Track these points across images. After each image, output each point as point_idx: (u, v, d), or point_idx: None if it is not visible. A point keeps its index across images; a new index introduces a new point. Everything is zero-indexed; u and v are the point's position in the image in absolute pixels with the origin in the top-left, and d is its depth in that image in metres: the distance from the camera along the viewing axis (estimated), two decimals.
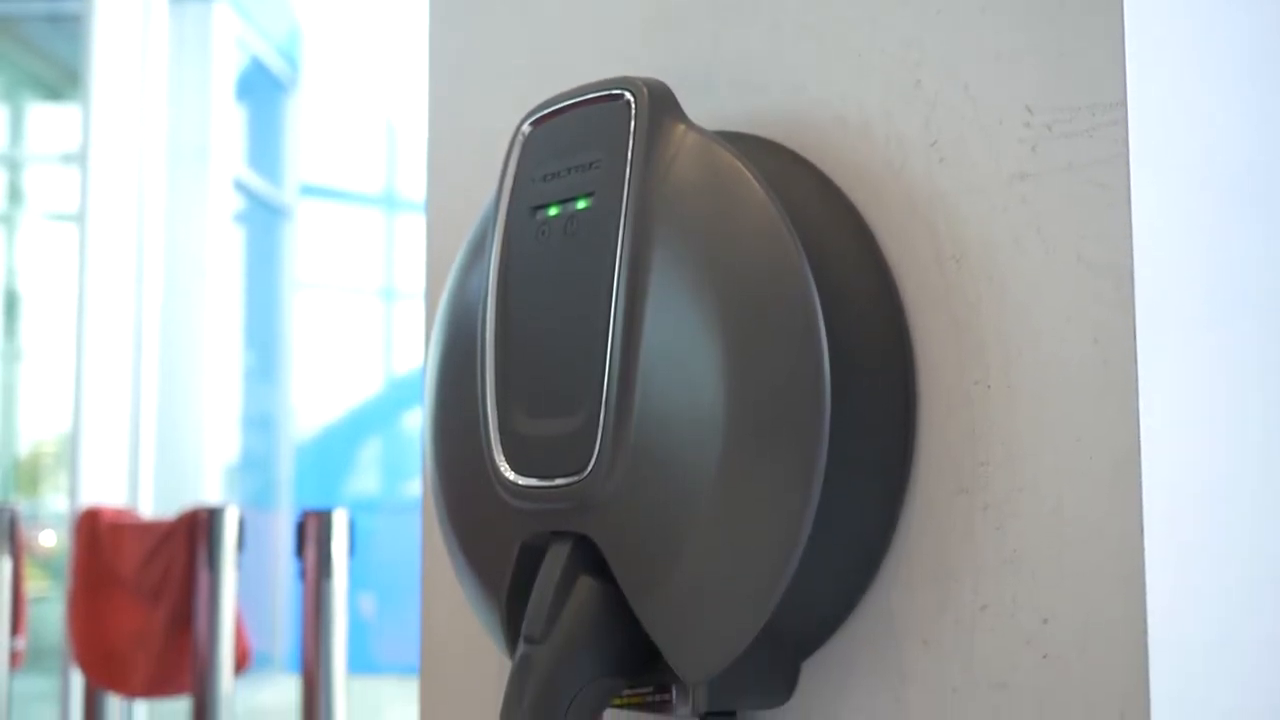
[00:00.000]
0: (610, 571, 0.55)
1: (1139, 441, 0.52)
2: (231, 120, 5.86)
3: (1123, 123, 0.53)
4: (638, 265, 0.55)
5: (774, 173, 0.59)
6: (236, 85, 5.97)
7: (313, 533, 2.29)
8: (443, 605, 0.79)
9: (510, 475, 0.57)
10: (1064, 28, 0.55)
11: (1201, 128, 0.59)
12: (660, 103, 0.57)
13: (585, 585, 0.56)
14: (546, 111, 0.61)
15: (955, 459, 0.57)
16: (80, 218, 4.26)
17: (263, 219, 6.68)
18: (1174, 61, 0.57)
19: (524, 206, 0.60)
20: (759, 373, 0.53)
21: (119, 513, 2.76)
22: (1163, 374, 0.53)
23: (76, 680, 3.05)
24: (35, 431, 5.71)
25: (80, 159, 4.30)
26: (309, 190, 7.19)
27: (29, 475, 5.65)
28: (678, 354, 0.54)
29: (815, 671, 0.61)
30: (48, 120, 5.97)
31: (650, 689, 0.58)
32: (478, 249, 0.63)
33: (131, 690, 2.55)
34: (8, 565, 2.59)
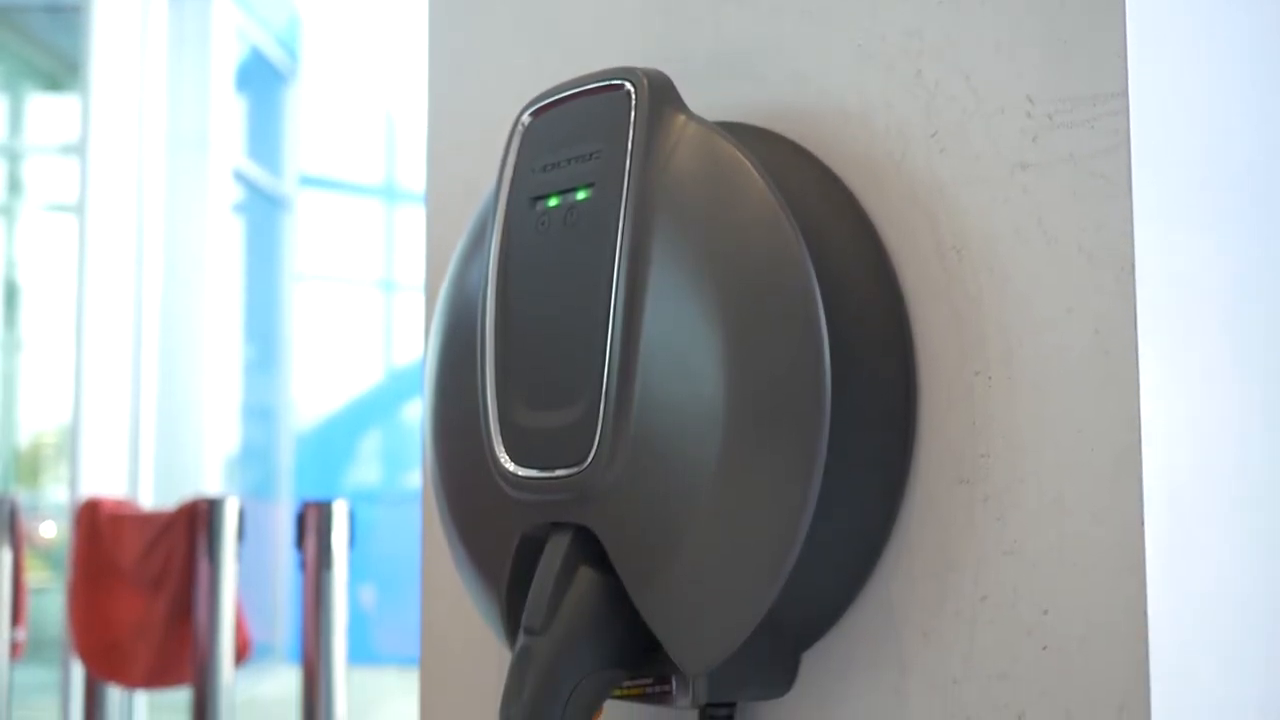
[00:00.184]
0: (610, 563, 0.55)
1: (1140, 432, 0.52)
2: (231, 111, 5.85)
3: (1124, 113, 0.53)
4: (638, 256, 0.54)
5: (774, 163, 0.58)
6: (236, 76, 5.97)
7: (313, 524, 2.29)
8: (443, 596, 0.79)
9: (510, 466, 0.57)
10: (1065, 18, 0.55)
11: (1203, 118, 0.59)
12: (660, 93, 0.57)
13: (585, 576, 0.56)
14: (546, 102, 0.61)
15: (956, 450, 0.57)
16: (80, 209, 4.26)
17: (262, 210, 6.67)
18: (1175, 52, 0.57)
19: (524, 197, 0.60)
20: (759, 363, 0.53)
21: (119, 504, 2.76)
22: (1164, 365, 0.53)
23: (77, 671, 3.06)
24: (35, 422, 5.71)
25: (80, 150, 4.30)
26: (308, 181, 7.19)
27: (29, 466, 5.66)
28: (678, 345, 0.54)
29: (815, 663, 0.61)
30: (47, 111, 5.97)
31: (650, 680, 0.58)
32: (477, 240, 0.63)
33: (132, 681, 2.56)
34: (8, 556, 2.59)
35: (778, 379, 0.53)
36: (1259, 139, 0.62)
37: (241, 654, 2.43)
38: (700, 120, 0.58)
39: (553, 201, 0.58)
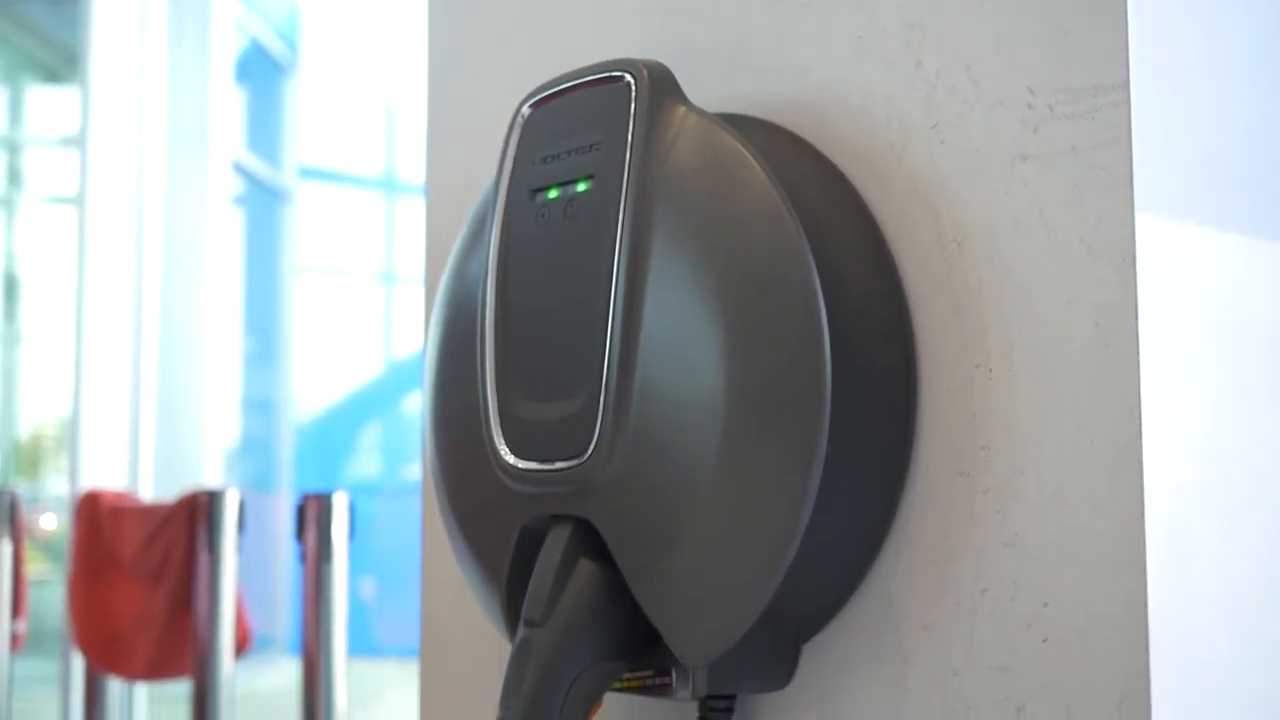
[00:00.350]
0: (610, 555, 0.55)
1: (1140, 425, 0.52)
2: (231, 103, 5.85)
3: (1125, 104, 0.53)
4: (638, 248, 0.54)
5: (774, 155, 0.58)
6: (235, 68, 5.96)
7: (313, 516, 2.29)
8: (443, 589, 0.79)
9: (510, 459, 0.57)
10: (1066, 9, 0.55)
11: (1204, 109, 0.58)
12: (660, 84, 0.57)
13: (585, 569, 0.56)
14: (546, 94, 0.61)
15: (956, 442, 0.57)
16: (79, 201, 4.26)
17: (262, 202, 6.67)
18: (1177, 43, 0.57)
19: (524, 189, 0.60)
20: (759, 355, 0.53)
21: (119, 496, 2.76)
22: (1164, 357, 0.53)
23: (77, 663, 3.06)
24: (35, 415, 5.72)
25: (79, 142, 4.30)
26: (308, 173, 7.18)
27: (29, 458, 5.66)
28: (678, 337, 0.54)
29: (816, 655, 0.61)
30: (47, 103, 5.97)
31: (650, 672, 0.58)
32: (477, 232, 0.63)
33: (132, 673, 2.56)
34: (8, 548, 2.59)
35: (778, 371, 0.53)
36: (1260, 130, 0.62)
37: (242, 646, 2.43)
38: (700, 112, 0.57)
39: (553, 193, 0.58)
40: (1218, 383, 0.57)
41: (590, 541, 0.56)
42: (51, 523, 5.15)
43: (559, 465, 0.55)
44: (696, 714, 0.62)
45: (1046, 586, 0.54)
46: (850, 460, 0.57)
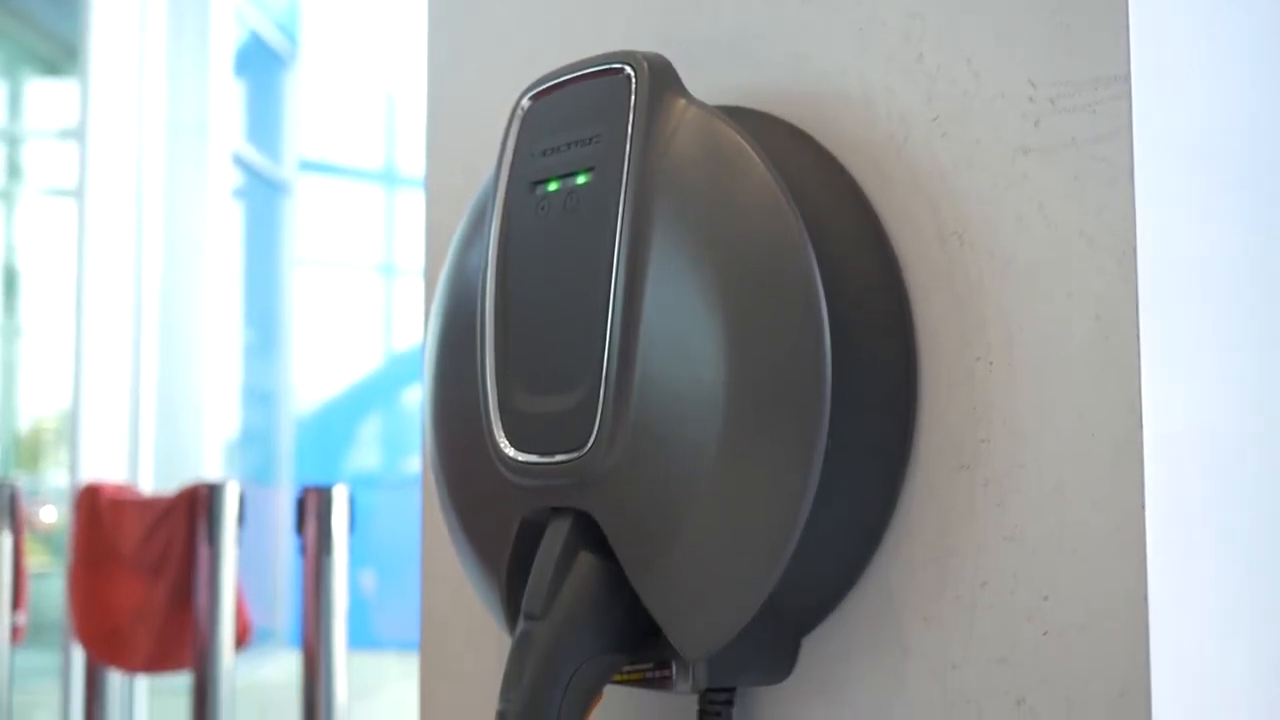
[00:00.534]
0: (610, 548, 0.55)
1: (1141, 418, 0.52)
2: (230, 95, 5.84)
3: (1126, 97, 0.53)
4: (638, 240, 0.54)
5: (775, 147, 0.58)
6: (235, 60, 5.96)
7: (313, 508, 2.29)
8: (443, 581, 0.79)
9: (510, 451, 0.57)
10: (1067, 2, 0.55)
11: (1206, 102, 0.58)
12: (660, 77, 0.57)
13: (585, 561, 0.56)
14: (546, 86, 0.61)
15: (956, 435, 0.57)
16: (79, 193, 4.26)
17: (262, 194, 6.67)
18: (1178, 35, 0.57)
19: (523, 182, 0.60)
20: (759, 348, 0.53)
21: (119, 488, 2.76)
22: (1165, 350, 0.53)
23: (77, 656, 3.06)
24: (35, 407, 5.72)
25: (79, 134, 4.29)
26: (308, 165, 7.18)
27: (29, 451, 5.66)
28: (678, 330, 0.53)
29: (816, 648, 0.61)
30: (46, 95, 5.96)
31: (650, 665, 0.58)
32: (477, 224, 0.63)
33: (132, 665, 2.56)
34: (8, 541, 2.59)
35: (778, 364, 0.53)
36: (1262, 123, 0.62)
37: (242, 639, 2.44)
38: (700, 104, 0.57)
39: (552, 186, 0.58)
40: (1219, 376, 0.57)
41: (590, 534, 0.56)
42: (52, 515, 5.16)
43: (559, 458, 0.55)
44: (696, 706, 0.62)
45: (1047, 580, 0.54)
46: (850, 453, 0.57)
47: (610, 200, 0.55)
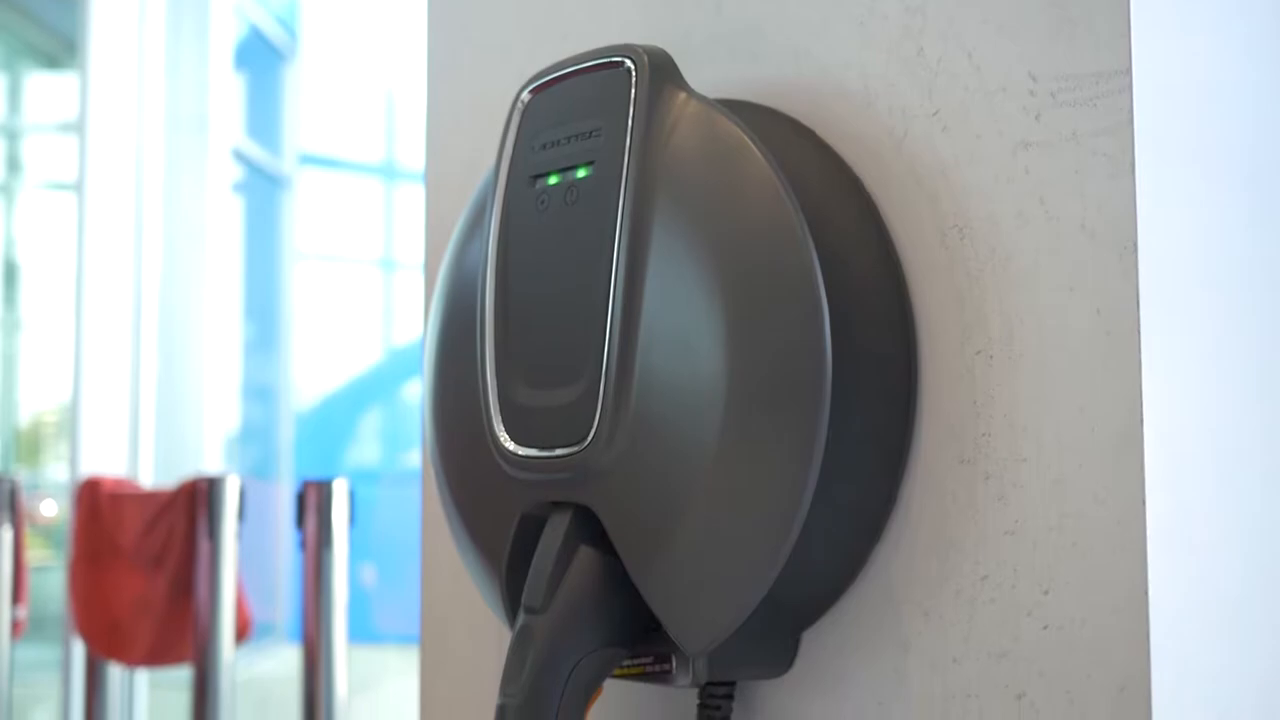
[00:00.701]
0: (610, 542, 0.55)
1: (1141, 412, 0.52)
2: (230, 89, 5.84)
3: (1127, 91, 0.53)
4: (638, 234, 0.54)
5: (775, 141, 0.58)
6: (235, 54, 5.95)
7: (313, 503, 2.29)
8: (443, 575, 0.79)
9: (510, 445, 0.57)
10: None
11: (1207, 96, 0.58)
12: (661, 70, 0.57)
13: (585, 555, 0.56)
14: (546, 79, 0.61)
15: (957, 429, 0.57)
16: (79, 187, 4.25)
17: (262, 189, 6.66)
18: (1179, 29, 0.56)
19: (523, 175, 0.60)
20: (760, 342, 0.53)
21: (119, 482, 2.76)
22: (1166, 344, 0.53)
23: (78, 649, 3.06)
24: (35, 402, 5.72)
25: (78, 128, 4.29)
26: (308, 160, 7.17)
27: (29, 445, 5.66)
28: (678, 323, 0.53)
29: (815, 642, 0.61)
30: (46, 89, 5.95)
31: (650, 659, 0.58)
32: (477, 218, 0.63)
33: (132, 659, 2.56)
34: (9, 535, 2.59)
35: (778, 358, 0.53)
36: (1264, 117, 0.62)
37: (242, 632, 2.44)
38: (701, 98, 0.57)
39: (552, 179, 0.58)
40: (1219, 369, 0.57)
41: (590, 528, 0.56)
42: (52, 509, 5.15)
43: (559, 452, 0.55)
44: (696, 701, 0.62)
45: (1047, 574, 0.54)
46: (851, 447, 0.57)
47: (610, 194, 0.55)
